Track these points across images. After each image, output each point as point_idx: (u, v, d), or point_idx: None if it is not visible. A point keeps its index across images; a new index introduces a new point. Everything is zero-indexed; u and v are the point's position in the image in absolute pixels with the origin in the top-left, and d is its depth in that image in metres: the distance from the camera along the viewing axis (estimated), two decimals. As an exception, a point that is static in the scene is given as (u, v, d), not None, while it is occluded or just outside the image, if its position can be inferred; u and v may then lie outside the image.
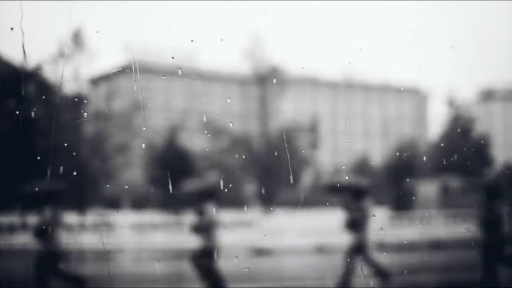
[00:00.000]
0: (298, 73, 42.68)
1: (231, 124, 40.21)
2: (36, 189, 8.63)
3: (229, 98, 45.78)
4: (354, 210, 8.66)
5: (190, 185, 9.95)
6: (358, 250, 8.48)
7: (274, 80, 35.50)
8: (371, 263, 8.46)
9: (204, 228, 8.08)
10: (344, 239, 8.76)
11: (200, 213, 8.14)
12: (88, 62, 27.40)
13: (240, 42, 35.50)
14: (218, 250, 8.13)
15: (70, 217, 16.92)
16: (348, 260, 8.44)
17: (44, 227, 7.92)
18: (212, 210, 8.22)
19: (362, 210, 8.65)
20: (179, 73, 44.38)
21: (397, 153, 35.69)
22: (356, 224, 8.53)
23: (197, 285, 8.18)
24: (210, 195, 8.37)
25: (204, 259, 7.95)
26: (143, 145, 33.39)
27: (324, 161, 43.88)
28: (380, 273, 8.39)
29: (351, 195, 8.89)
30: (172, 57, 44.53)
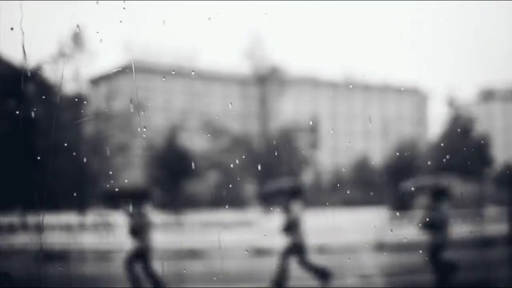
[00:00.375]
0: (298, 73, 42.69)
1: (231, 124, 40.23)
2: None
3: (231, 104, 45.78)
4: (289, 212, 8.73)
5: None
6: (292, 251, 8.52)
7: (274, 80, 35.48)
8: (307, 266, 8.49)
9: (140, 229, 8.09)
10: (344, 239, 8.75)
11: (136, 215, 8.16)
12: (88, 62, 27.41)
13: (240, 42, 35.52)
14: (150, 251, 8.14)
15: (70, 217, 16.93)
16: (282, 261, 8.47)
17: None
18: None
19: (295, 212, 8.70)
20: (172, 73, 44.31)
21: (397, 153, 35.70)
22: (292, 226, 8.59)
23: (197, 285, 8.18)
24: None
25: (137, 261, 7.96)
26: (143, 145, 33.39)
27: (324, 161, 43.88)
28: (319, 273, 8.41)
29: (283, 197, 8.98)
30: (173, 71, 44.48)
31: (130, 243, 8.04)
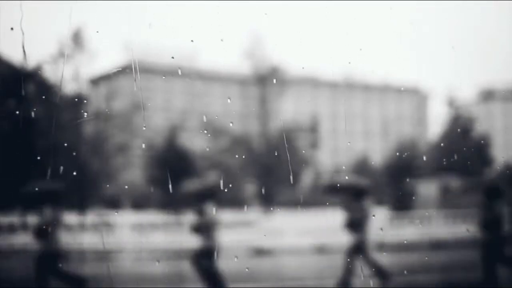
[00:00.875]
0: (298, 73, 42.67)
1: (231, 124, 40.20)
2: (36, 188, 8.63)
3: (229, 98, 45.77)
4: (354, 210, 8.64)
5: (190, 185, 9.96)
6: (358, 250, 8.47)
7: (274, 80, 35.50)
8: (371, 263, 8.45)
9: (204, 228, 8.09)
10: (344, 239, 8.75)
11: (200, 213, 8.14)
12: (88, 62, 27.40)
13: (240, 42, 35.50)
14: (218, 250, 8.13)
15: (70, 217, 16.92)
16: (348, 260, 8.43)
17: (44, 227, 7.90)
18: (212, 210, 8.22)
19: (362, 210, 8.63)
20: (179, 73, 44.34)
21: (397, 153, 35.69)
22: (356, 224, 8.51)
23: (197, 285, 8.18)
24: (209, 195, 8.37)
25: (204, 260, 7.95)
26: (143, 145, 33.41)
27: (324, 161, 43.89)
28: (381, 273, 8.38)
29: (351, 195, 8.87)
30: (172, 57, 44.47)
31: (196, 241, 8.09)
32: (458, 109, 36.52)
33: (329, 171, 42.22)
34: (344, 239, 8.72)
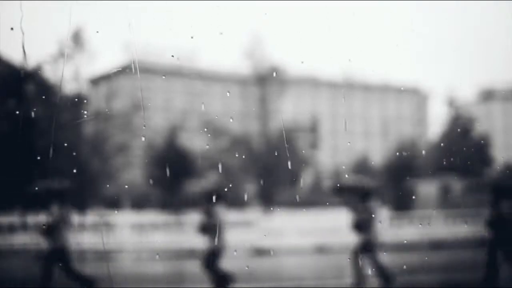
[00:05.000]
0: (298, 73, 42.68)
1: (231, 120, 40.19)
2: (45, 187, 8.63)
3: (228, 92, 45.66)
4: (361, 211, 8.65)
5: (197, 186, 10.01)
6: (365, 250, 8.47)
7: (274, 80, 35.47)
8: (377, 264, 8.45)
9: (211, 229, 8.11)
10: (344, 239, 8.74)
11: (208, 214, 8.15)
12: (88, 62, 27.39)
13: (240, 42, 35.49)
14: (224, 251, 8.15)
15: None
16: (356, 260, 8.44)
17: (53, 225, 7.89)
18: (220, 212, 8.24)
19: (368, 211, 8.63)
20: (179, 72, 44.29)
21: (397, 153, 35.67)
22: (362, 225, 8.52)
23: (197, 285, 8.18)
24: (219, 196, 8.41)
25: (211, 260, 7.99)
26: (143, 138, 33.33)
27: (324, 161, 43.87)
28: (385, 275, 8.38)
29: (357, 196, 8.89)
30: (172, 55, 44.40)
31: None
32: (458, 109, 36.52)
33: (329, 171, 42.21)
34: (344, 239, 8.71)
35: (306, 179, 37.91)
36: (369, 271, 8.42)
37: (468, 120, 35.81)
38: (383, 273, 8.37)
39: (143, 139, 35.30)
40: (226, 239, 8.20)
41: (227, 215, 8.67)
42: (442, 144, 35.58)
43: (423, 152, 36.69)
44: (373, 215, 8.58)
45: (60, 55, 25.60)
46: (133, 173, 33.91)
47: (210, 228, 8.11)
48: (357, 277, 8.32)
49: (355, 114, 55.25)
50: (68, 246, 7.97)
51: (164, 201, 27.43)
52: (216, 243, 8.06)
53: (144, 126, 36.74)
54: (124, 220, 18.75)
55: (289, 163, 34.01)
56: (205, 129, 35.01)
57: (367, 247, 8.44)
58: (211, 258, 8.01)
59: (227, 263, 8.30)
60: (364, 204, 8.66)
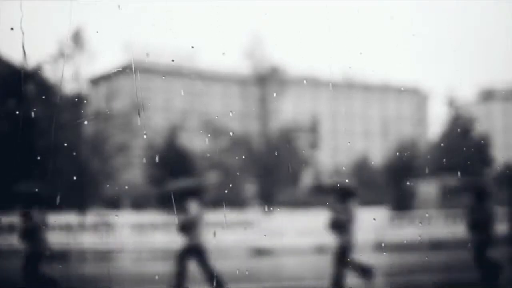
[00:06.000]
0: (298, 73, 42.67)
1: (230, 114, 40.16)
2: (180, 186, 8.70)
3: (230, 96, 45.73)
4: (339, 211, 8.61)
5: (174, 184, 9.98)
6: (343, 251, 8.45)
7: (274, 80, 35.46)
8: (355, 265, 8.45)
9: (189, 227, 8.10)
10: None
11: (184, 212, 8.16)
12: (88, 62, 27.39)
13: (240, 42, 35.48)
14: (205, 248, 8.14)
15: (70, 217, 16.92)
16: (335, 261, 8.43)
17: (31, 228, 7.86)
18: (196, 209, 8.22)
19: (347, 212, 8.59)
20: (179, 72, 44.26)
21: (397, 153, 35.66)
22: (340, 225, 8.49)
23: (197, 285, 8.17)
24: (194, 193, 8.39)
25: (345, 255, 8.10)
26: (145, 135, 33.32)
27: (324, 161, 43.88)
28: (365, 273, 8.39)
29: (336, 196, 8.86)
30: (172, 60, 44.39)
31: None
32: (458, 109, 36.51)
33: (329, 171, 42.22)
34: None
35: (306, 179, 37.90)
36: (348, 271, 8.41)
37: (468, 120, 35.81)
38: (363, 272, 8.38)
39: (144, 136, 35.31)
40: (203, 237, 8.22)
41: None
42: (442, 144, 35.57)
43: (424, 156, 36.68)
44: (351, 216, 8.55)
45: (60, 55, 25.60)
46: (133, 173, 33.91)
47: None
48: (336, 278, 8.33)
49: (355, 114, 55.27)
50: (45, 248, 7.91)
51: (160, 201, 27.40)
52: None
53: (145, 134, 36.72)
54: (124, 220, 18.75)
55: (289, 163, 34.02)
56: (205, 129, 35.03)
57: (345, 248, 8.43)
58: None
59: (227, 264, 8.29)
60: (342, 205, 8.62)
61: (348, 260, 8.35)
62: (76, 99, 27.75)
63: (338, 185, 9.61)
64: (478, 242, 8.33)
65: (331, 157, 48.57)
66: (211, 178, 30.50)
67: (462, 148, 32.03)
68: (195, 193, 8.44)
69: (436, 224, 19.29)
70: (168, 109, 44.02)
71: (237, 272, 10.41)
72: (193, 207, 8.18)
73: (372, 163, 40.63)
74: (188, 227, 8.11)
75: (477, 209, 8.45)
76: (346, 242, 8.40)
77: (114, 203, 28.72)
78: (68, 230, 16.19)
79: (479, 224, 8.35)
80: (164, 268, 13.24)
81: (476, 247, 8.34)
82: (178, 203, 8.32)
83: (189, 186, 8.82)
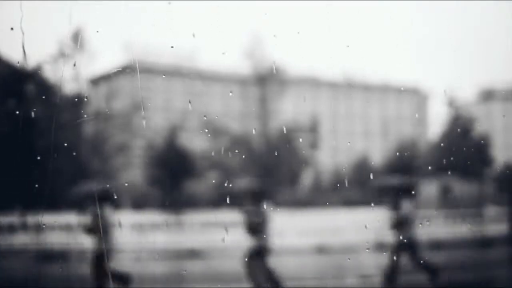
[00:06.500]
0: (298, 73, 42.68)
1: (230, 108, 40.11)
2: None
3: (231, 92, 45.70)
4: (253, 214, 8.52)
5: (85, 188, 10.02)
6: (257, 255, 8.36)
7: (274, 80, 35.48)
8: (266, 271, 8.38)
9: (98, 230, 8.09)
10: (344, 239, 8.74)
11: (94, 215, 8.15)
12: (88, 62, 27.40)
13: (240, 42, 35.49)
14: (115, 252, 8.14)
15: (70, 217, 16.92)
16: (247, 264, 8.33)
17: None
18: (107, 212, 8.20)
19: (260, 215, 8.49)
20: (179, 72, 44.27)
21: (397, 153, 35.68)
22: (254, 228, 8.42)
23: (198, 285, 8.18)
24: (106, 197, 8.38)
25: (102, 262, 7.99)
26: (144, 125, 33.38)
27: (324, 161, 43.88)
28: (273, 280, 8.33)
29: (248, 198, 8.79)
30: (172, 47, 44.31)
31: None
32: (458, 109, 36.53)
33: (329, 171, 42.22)
34: (345, 239, 8.71)
35: (306, 179, 37.90)
36: (261, 275, 8.34)
37: (468, 120, 35.81)
38: (271, 278, 8.31)
39: (145, 128, 35.28)
40: (114, 240, 8.22)
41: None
42: (442, 144, 35.58)
43: (424, 156, 36.69)
44: (265, 219, 8.46)
45: (60, 55, 25.60)
46: (133, 173, 33.90)
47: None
48: (254, 280, 8.28)
49: (355, 114, 55.25)
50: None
51: (163, 201, 27.43)
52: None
53: (144, 122, 36.72)
54: (124, 220, 18.74)
55: (289, 163, 34.03)
56: (205, 130, 35.03)
57: (259, 251, 8.34)
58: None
59: (227, 263, 8.29)
60: (256, 208, 8.52)
61: (261, 263, 8.21)
62: (76, 99, 27.76)
63: (249, 187, 9.51)
64: (396, 243, 8.33)
65: (331, 157, 48.57)
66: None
67: (462, 148, 32.05)
68: (107, 197, 8.44)
69: (436, 224, 19.29)
70: (168, 109, 44.02)
71: (237, 271, 10.41)
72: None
73: (372, 163, 40.63)
74: (97, 230, 8.11)
75: (398, 209, 8.47)
76: (260, 245, 8.28)
77: (114, 203, 28.70)
78: (68, 230, 16.19)
79: (399, 224, 8.37)
80: (164, 268, 13.25)
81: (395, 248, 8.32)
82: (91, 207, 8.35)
83: (98, 190, 8.82)
